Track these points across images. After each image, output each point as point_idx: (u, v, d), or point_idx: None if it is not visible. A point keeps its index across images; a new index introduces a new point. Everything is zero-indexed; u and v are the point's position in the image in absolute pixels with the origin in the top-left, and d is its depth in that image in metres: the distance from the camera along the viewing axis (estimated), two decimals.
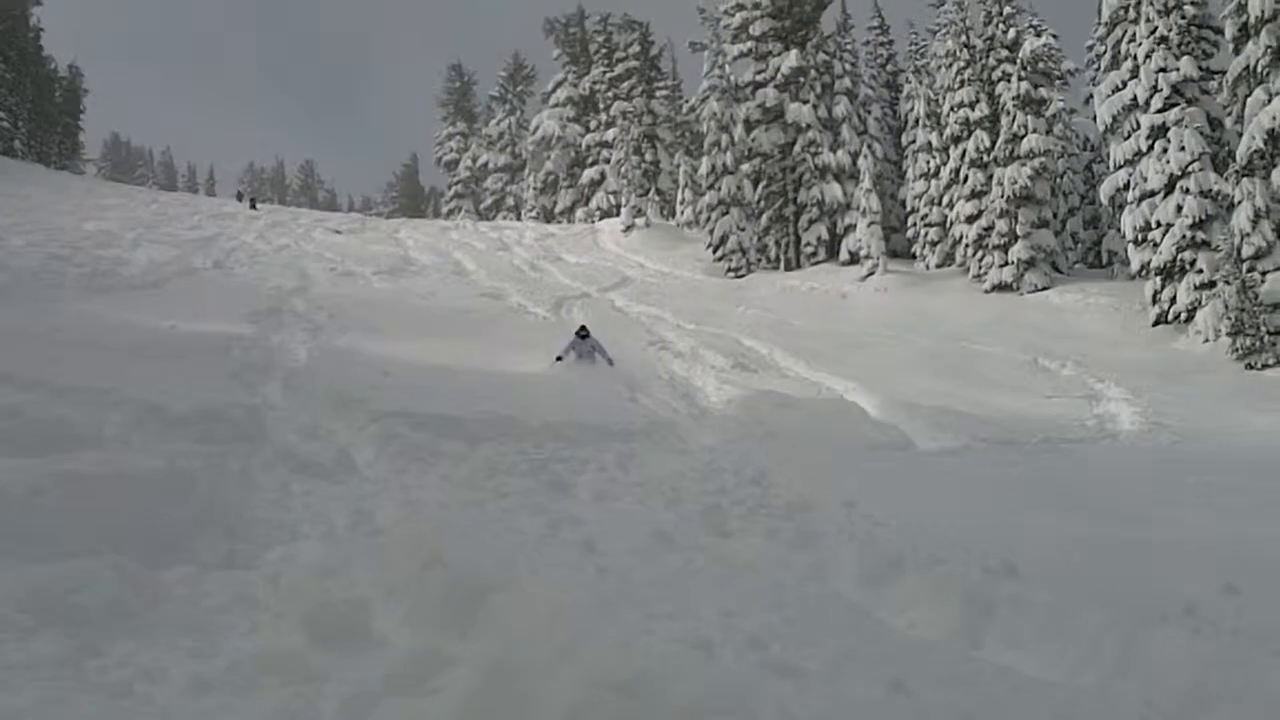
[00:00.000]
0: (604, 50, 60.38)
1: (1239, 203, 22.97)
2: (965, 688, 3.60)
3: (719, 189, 40.26)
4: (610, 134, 57.33)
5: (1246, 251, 22.66)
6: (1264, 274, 22.51)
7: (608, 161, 57.97)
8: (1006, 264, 32.54)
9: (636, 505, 7.34)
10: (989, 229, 33.32)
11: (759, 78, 41.70)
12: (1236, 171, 23.50)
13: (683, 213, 47.17)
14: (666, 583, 4.99)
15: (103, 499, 5.70)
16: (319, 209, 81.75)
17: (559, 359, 18.04)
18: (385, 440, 9.59)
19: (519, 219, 65.52)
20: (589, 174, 61.18)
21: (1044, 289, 31.76)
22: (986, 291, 32.67)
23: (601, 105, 59.78)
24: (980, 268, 33.68)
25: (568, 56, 66.16)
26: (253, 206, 55.21)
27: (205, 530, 5.94)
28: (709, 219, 40.68)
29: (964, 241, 34.58)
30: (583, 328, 19.36)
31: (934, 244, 37.11)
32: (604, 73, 59.18)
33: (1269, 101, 22.52)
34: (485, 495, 7.44)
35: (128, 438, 8.05)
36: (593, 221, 55.67)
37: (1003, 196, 32.61)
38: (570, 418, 12.70)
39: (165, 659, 3.84)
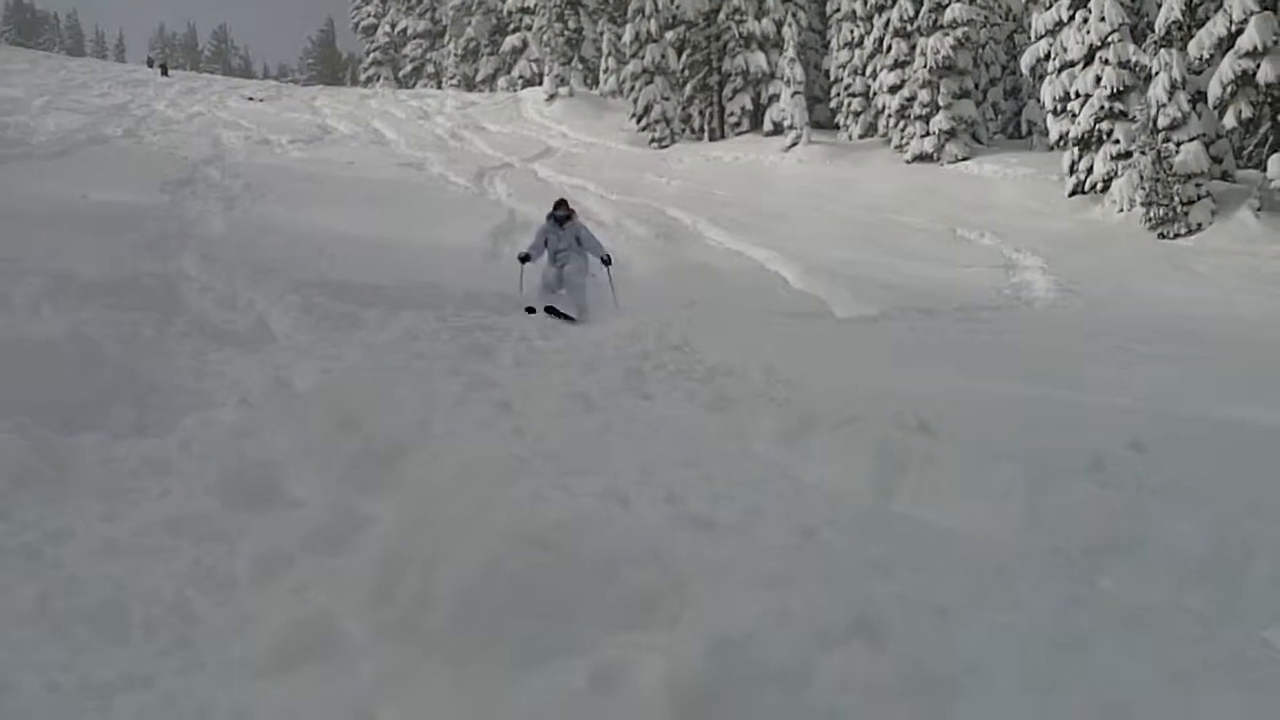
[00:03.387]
0: None
1: (1156, 74, 23.09)
2: (876, 536, 3.69)
3: (643, 57, 39.53)
4: None
5: (1162, 122, 22.85)
6: (1178, 145, 22.76)
7: (530, 29, 56.56)
8: (928, 134, 32.52)
9: (556, 370, 7.35)
10: (911, 99, 33.20)
11: None
12: (1155, 43, 23.57)
13: (606, 81, 46.31)
14: (584, 442, 5.02)
15: (8, 365, 5.57)
16: (234, 76, 79.15)
17: (524, 258, 12.92)
18: (304, 309, 9.47)
19: (439, 87, 63.86)
20: (511, 41, 59.66)
21: (964, 159, 31.83)
22: (908, 162, 32.67)
23: None
24: (902, 138, 33.64)
25: None
26: (164, 73, 53.81)
27: (116, 398, 5.83)
28: (633, 88, 39.99)
29: (886, 112, 34.45)
30: (560, 204, 13.58)
31: (857, 114, 36.95)
32: None
33: None
34: (404, 359, 7.40)
35: (37, 306, 7.88)
36: (515, 90, 54.51)
37: (925, 67, 32.44)
38: (493, 287, 12.63)
39: (74, 523, 3.80)
